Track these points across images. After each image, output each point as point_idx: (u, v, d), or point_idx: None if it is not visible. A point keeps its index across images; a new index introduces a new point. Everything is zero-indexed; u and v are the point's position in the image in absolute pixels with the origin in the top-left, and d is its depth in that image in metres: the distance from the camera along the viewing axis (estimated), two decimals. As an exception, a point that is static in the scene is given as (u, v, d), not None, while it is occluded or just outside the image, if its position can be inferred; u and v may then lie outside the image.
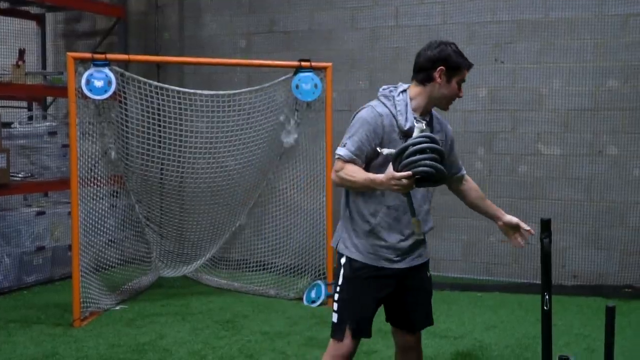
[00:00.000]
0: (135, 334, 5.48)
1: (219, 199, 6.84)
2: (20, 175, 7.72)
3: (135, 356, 4.96)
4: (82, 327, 5.63)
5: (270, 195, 6.88)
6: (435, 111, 3.32)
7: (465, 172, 3.54)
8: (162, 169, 6.62)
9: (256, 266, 7.07)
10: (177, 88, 6.10)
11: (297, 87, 6.15)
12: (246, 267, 7.14)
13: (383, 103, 3.15)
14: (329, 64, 6.31)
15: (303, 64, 6.16)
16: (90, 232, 6.08)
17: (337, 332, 3.23)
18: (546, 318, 3.78)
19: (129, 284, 6.73)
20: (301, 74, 6.16)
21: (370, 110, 3.12)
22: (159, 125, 6.27)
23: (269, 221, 6.91)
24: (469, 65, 3.23)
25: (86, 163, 5.93)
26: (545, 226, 3.70)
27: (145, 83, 5.91)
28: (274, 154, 6.65)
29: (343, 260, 3.25)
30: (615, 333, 5.36)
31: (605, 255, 6.98)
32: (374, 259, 3.18)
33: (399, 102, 3.13)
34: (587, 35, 6.92)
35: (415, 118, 3.09)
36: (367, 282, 3.19)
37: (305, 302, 6.38)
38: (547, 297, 3.84)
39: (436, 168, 2.82)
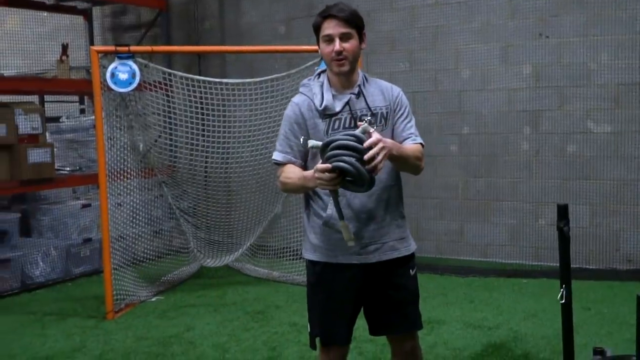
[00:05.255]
0: (165, 326, 5.49)
1: (257, 187, 6.80)
2: (67, 169, 7.89)
3: (160, 349, 4.95)
4: (115, 320, 5.67)
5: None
6: (375, 78, 3.08)
7: (418, 140, 2.98)
8: (206, 158, 6.65)
9: (294, 255, 6.96)
10: (198, 77, 6.06)
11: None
12: (284, 256, 7.05)
13: (301, 92, 3.02)
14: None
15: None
16: (123, 224, 6.12)
17: (310, 342, 3.09)
18: (566, 312, 3.56)
19: (169, 275, 6.77)
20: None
21: (290, 104, 3.01)
22: (202, 114, 6.32)
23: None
24: (325, 14, 2.87)
25: (115, 156, 5.95)
26: (563, 213, 3.44)
27: (169, 74, 5.88)
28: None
29: (307, 266, 3.10)
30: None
31: (661, 237, 6.58)
32: (334, 256, 2.95)
33: (314, 85, 2.98)
34: (637, 5, 6.48)
35: (353, 115, 2.84)
36: (333, 283, 2.98)
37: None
38: (564, 290, 3.60)
39: (355, 167, 2.57)
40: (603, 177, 6.79)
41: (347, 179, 2.63)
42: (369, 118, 2.83)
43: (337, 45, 2.83)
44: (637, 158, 6.61)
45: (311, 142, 2.72)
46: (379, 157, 2.60)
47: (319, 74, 3.02)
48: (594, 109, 6.76)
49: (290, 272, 6.81)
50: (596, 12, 6.65)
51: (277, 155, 2.97)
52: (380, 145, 2.61)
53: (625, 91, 6.60)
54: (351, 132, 2.66)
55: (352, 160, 2.57)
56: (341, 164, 2.57)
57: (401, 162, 2.87)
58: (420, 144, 2.99)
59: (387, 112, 2.97)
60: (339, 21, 2.85)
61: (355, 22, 2.89)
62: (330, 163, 2.59)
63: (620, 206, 6.72)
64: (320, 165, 2.62)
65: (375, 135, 2.65)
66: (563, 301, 3.31)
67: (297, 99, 3.00)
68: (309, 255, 3.04)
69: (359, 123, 2.71)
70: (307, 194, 3.00)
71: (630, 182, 6.67)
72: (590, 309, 5.52)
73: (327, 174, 2.59)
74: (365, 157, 2.58)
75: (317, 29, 2.91)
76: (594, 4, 6.65)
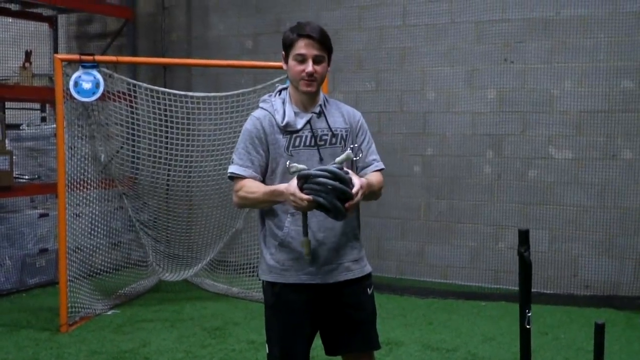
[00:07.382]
0: (120, 340, 5.38)
1: (219, 202, 6.74)
2: (26, 177, 7.73)
3: (114, 364, 4.86)
4: (69, 333, 5.55)
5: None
6: (334, 100, 3.13)
7: (380, 166, 3.10)
8: (168, 171, 6.59)
9: (254, 271, 6.91)
10: (163, 89, 6.01)
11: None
12: (243, 272, 6.99)
13: (261, 107, 3.02)
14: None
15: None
16: (81, 235, 6.01)
17: None
18: (525, 336, 3.55)
19: (126, 289, 6.65)
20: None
21: (250, 118, 3.00)
22: (166, 127, 6.27)
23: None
24: (301, 33, 2.87)
25: (75, 165, 5.85)
26: (524, 238, 3.45)
27: (134, 85, 5.82)
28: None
29: (264, 287, 3.06)
30: (623, 347, 5.15)
31: (618, 264, 6.66)
32: (291, 276, 2.93)
33: (275, 102, 2.98)
34: (601, 34, 6.61)
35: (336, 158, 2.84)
36: (291, 304, 2.95)
37: (301, 310, 6.20)
38: (528, 314, 3.59)
39: (334, 205, 2.67)
40: (563, 203, 6.87)
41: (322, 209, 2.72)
42: (354, 145, 2.93)
43: (310, 67, 2.86)
44: (597, 185, 6.71)
45: (294, 167, 2.73)
46: (359, 199, 2.75)
47: (280, 91, 3.03)
48: (555, 135, 6.85)
49: (249, 289, 6.75)
50: (561, 40, 6.76)
51: (237, 169, 2.91)
52: (360, 192, 2.73)
53: (587, 118, 6.71)
54: (334, 169, 2.70)
55: (332, 199, 2.66)
56: (322, 200, 2.66)
57: (369, 198, 2.95)
58: (382, 169, 3.10)
59: (346, 134, 3.02)
60: (314, 42, 2.86)
61: (328, 45, 2.93)
62: (311, 194, 2.65)
63: (579, 232, 6.81)
64: (301, 194, 2.64)
65: (358, 183, 2.74)
66: (529, 326, 3.31)
67: (257, 113, 2.98)
68: (266, 276, 3.00)
69: (345, 152, 2.78)
70: (262, 210, 2.98)
71: (590, 209, 6.76)
72: (547, 334, 5.56)
73: (305, 202, 2.64)
74: (347, 205, 2.68)
75: (289, 45, 2.90)
76: (559, 31, 6.76)
